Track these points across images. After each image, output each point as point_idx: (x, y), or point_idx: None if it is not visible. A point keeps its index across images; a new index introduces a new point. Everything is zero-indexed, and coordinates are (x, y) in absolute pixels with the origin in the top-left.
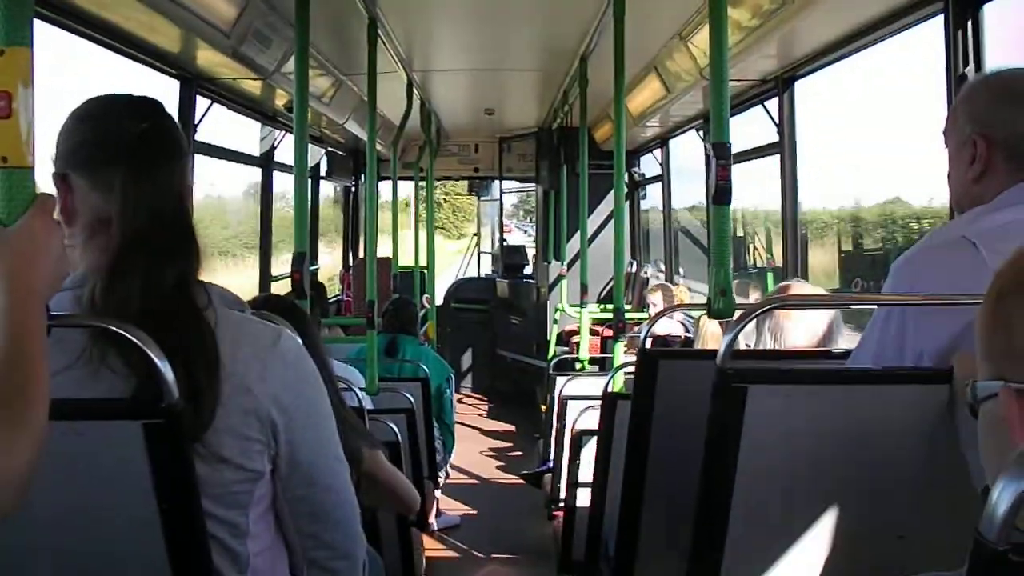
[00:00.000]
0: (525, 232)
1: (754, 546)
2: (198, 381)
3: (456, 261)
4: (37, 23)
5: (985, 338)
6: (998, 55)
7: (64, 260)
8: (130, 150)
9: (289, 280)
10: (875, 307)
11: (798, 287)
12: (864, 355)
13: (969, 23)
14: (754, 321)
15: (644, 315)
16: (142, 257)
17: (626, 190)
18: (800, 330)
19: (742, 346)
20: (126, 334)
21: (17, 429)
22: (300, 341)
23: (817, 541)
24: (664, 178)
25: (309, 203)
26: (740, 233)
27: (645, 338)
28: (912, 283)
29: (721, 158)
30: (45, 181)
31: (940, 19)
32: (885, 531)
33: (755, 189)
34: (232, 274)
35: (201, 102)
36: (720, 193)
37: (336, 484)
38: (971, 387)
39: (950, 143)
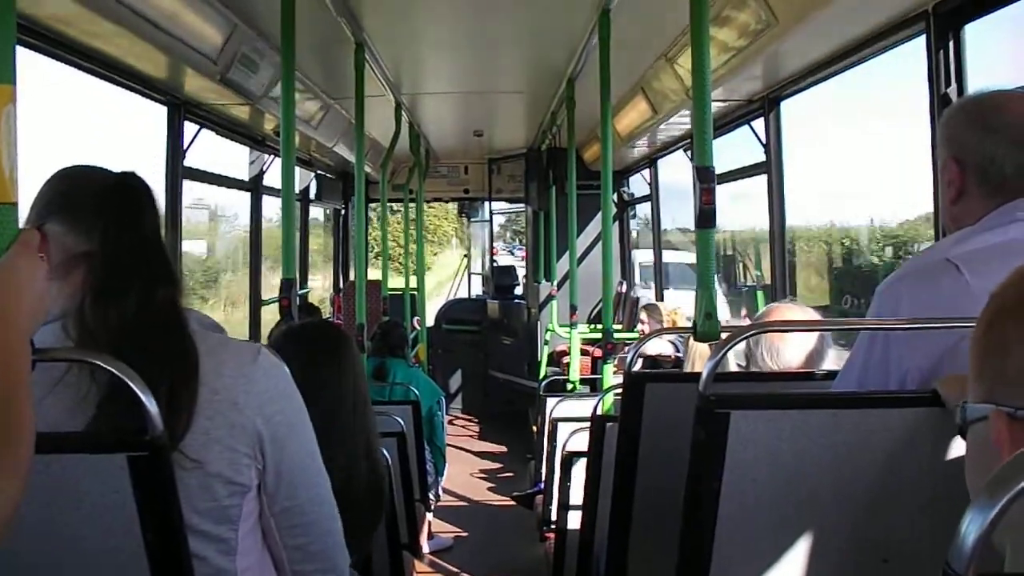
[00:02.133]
0: (511, 253)
1: (739, 570)
2: (179, 396)
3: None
4: (23, 52)
5: (978, 360)
6: (980, 75)
7: (47, 296)
8: (108, 192)
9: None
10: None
11: (786, 309)
12: (849, 378)
13: (951, 43)
14: (748, 342)
15: (634, 335)
16: (134, 278)
17: (615, 210)
18: (794, 349)
19: (733, 366)
20: (111, 368)
21: (1, 468)
22: (278, 359)
23: (802, 564)
24: (653, 197)
25: (298, 227)
26: (730, 252)
27: (632, 361)
28: (896, 306)
29: (705, 181)
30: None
31: (923, 39)
32: (870, 555)
33: (744, 208)
34: None
35: (189, 128)
36: (704, 217)
37: (320, 495)
38: (961, 409)
39: (938, 164)
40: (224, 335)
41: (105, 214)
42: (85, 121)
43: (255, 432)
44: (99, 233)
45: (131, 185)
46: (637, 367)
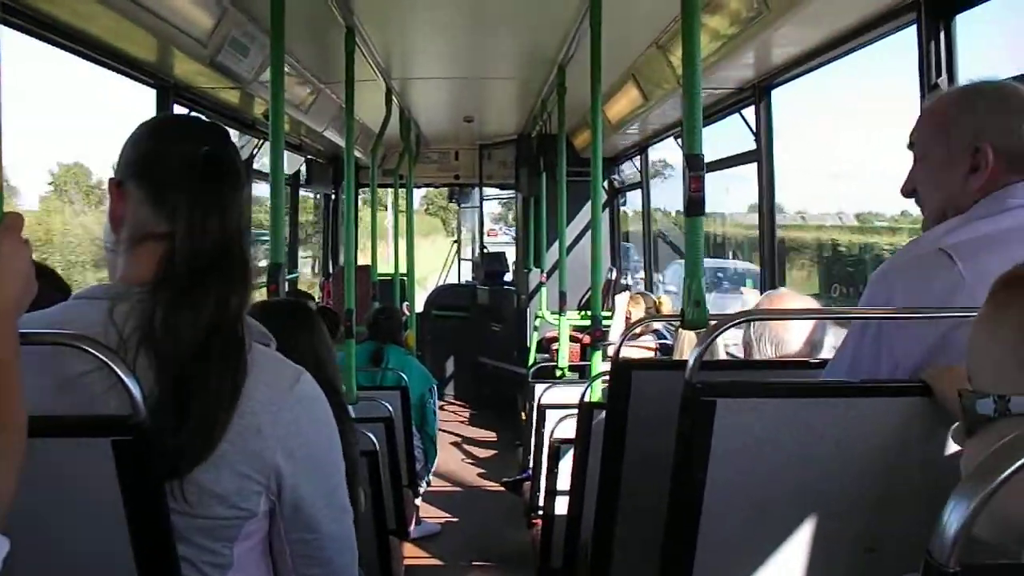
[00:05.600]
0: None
1: (724, 558)
2: (214, 423)
3: None
4: (9, 32)
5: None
6: (970, 66)
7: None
8: (195, 170)
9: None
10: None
11: (785, 298)
12: (840, 366)
13: (942, 34)
14: (750, 332)
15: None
16: (215, 281)
17: (605, 197)
18: (797, 338)
19: (722, 354)
20: (94, 351)
21: None
22: (317, 385)
23: (787, 553)
24: (643, 185)
25: (286, 213)
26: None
27: (619, 348)
28: (889, 295)
29: (694, 169)
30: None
31: (914, 29)
32: (855, 543)
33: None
34: None
35: (178, 111)
36: (693, 204)
37: (339, 532)
38: (998, 399)
39: (935, 151)
40: (268, 350)
41: (188, 195)
42: (75, 104)
43: (273, 464)
44: (183, 216)
45: (225, 160)
46: (627, 353)
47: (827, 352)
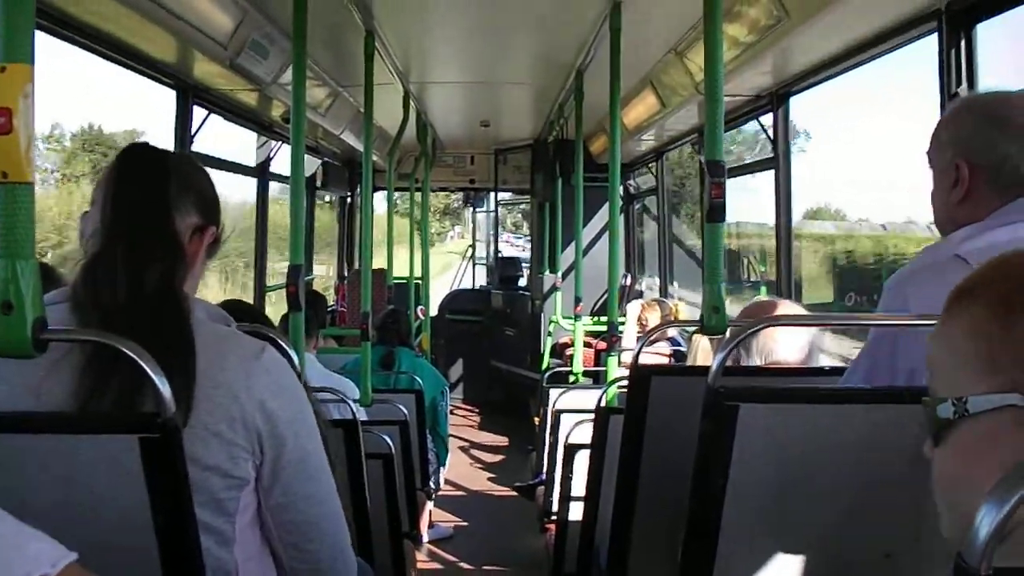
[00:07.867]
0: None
1: (744, 562)
2: (176, 381)
3: None
4: (36, 34)
5: (987, 348)
6: (992, 75)
7: None
8: (111, 166)
9: (284, 292)
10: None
11: (779, 306)
12: (858, 373)
13: (963, 42)
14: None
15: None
16: (123, 251)
17: (621, 203)
18: (786, 349)
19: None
20: (125, 350)
21: None
22: (283, 357)
23: (806, 557)
24: (659, 191)
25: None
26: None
27: (638, 354)
28: (904, 302)
29: (715, 176)
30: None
31: (934, 38)
32: (873, 549)
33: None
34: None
35: (198, 112)
36: (714, 211)
37: (319, 494)
38: (956, 402)
39: (933, 163)
40: (232, 328)
41: (108, 183)
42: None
43: (254, 427)
44: (102, 202)
45: (129, 155)
46: (642, 360)
47: (821, 362)
